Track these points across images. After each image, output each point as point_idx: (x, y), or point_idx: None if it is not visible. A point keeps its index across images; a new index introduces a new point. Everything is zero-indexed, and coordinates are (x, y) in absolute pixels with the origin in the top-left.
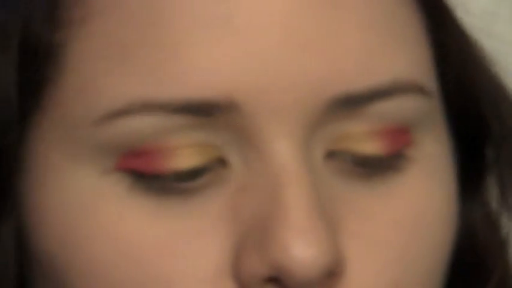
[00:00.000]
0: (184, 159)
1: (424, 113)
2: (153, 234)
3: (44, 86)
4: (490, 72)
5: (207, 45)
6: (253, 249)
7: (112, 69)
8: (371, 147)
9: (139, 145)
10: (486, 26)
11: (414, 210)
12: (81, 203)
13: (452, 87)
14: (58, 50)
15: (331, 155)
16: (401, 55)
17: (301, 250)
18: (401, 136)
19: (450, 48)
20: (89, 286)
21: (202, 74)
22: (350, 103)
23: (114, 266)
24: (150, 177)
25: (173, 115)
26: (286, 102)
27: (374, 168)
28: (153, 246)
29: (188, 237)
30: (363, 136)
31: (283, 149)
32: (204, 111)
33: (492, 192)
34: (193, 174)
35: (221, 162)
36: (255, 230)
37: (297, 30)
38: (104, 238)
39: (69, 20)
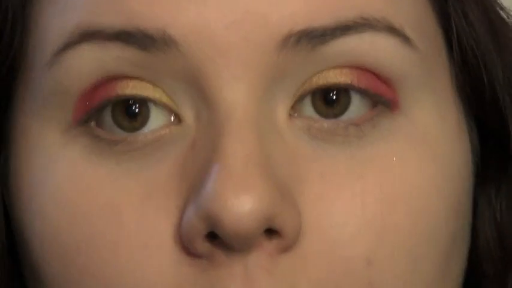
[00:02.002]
0: (132, 86)
1: (410, 68)
2: (103, 197)
3: (16, 52)
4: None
5: None
6: (191, 205)
7: (57, 10)
8: (340, 79)
9: (89, 83)
10: None
11: (391, 182)
12: (45, 164)
13: (465, 63)
14: (23, 11)
15: (296, 112)
16: None
17: (231, 197)
18: (378, 83)
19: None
20: (47, 253)
21: (136, 5)
22: (309, 39)
23: (65, 232)
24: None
25: (109, 43)
26: (231, 42)
27: (343, 111)
28: (101, 210)
29: (137, 200)
30: (330, 72)
31: (231, 96)
32: (138, 42)
33: None
34: (144, 112)
35: (176, 118)
36: (196, 187)
37: None
38: (57, 202)
39: None
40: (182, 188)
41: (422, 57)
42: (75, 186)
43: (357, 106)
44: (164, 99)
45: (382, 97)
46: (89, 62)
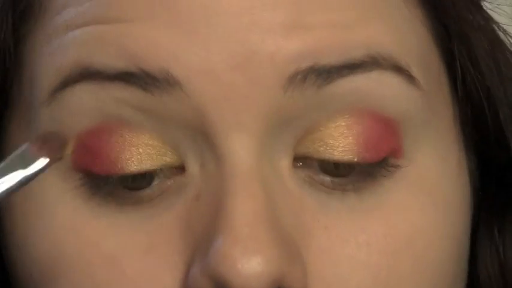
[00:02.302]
0: (136, 157)
1: (414, 107)
2: (105, 249)
3: (9, 83)
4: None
5: (147, 21)
6: (197, 263)
7: (52, 48)
8: (343, 144)
9: (89, 126)
10: None
11: (395, 232)
12: (43, 207)
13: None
14: (16, 49)
15: (299, 162)
16: (377, 30)
17: (241, 260)
18: (383, 146)
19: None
20: None
21: (138, 46)
22: (316, 76)
23: (64, 284)
24: (101, 178)
25: (109, 84)
26: (237, 83)
27: (347, 174)
28: (103, 262)
29: (140, 253)
30: (334, 132)
31: (237, 147)
32: (140, 82)
33: None
34: (148, 177)
35: (179, 167)
36: (202, 243)
37: (244, 7)
38: (56, 250)
39: (28, 15)
40: (187, 242)
41: (425, 96)
42: (76, 237)
43: (361, 169)
44: (169, 155)
45: (387, 157)
46: (88, 102)
